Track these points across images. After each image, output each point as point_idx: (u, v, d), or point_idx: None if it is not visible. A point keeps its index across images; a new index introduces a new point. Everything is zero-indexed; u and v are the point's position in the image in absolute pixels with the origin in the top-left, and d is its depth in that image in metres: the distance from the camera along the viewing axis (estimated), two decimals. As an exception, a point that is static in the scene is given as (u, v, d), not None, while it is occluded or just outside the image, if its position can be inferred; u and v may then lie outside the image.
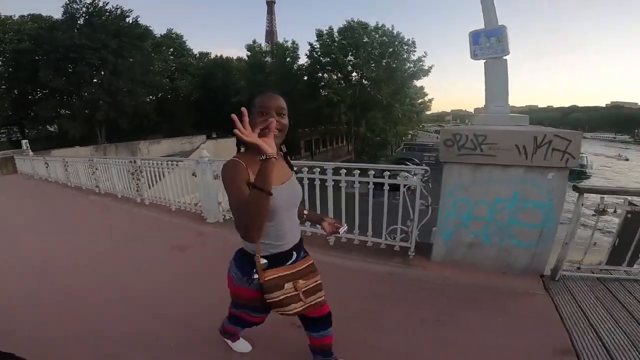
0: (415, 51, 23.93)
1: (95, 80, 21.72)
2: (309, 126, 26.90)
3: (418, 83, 32.47)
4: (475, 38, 2.65)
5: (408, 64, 23.38)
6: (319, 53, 23.57)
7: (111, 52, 20.77)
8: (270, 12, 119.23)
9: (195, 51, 36.45)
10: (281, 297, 1.20)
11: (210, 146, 18.14)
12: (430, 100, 58.50)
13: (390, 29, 24.14)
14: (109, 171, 6.30)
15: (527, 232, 2.41)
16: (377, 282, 2.58)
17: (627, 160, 51.99)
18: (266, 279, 1.17)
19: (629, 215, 2.28)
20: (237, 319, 1.51)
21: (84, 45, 19.56)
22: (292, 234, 1.27)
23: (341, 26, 23.80)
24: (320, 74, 21.91)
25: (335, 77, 21.53)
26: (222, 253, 1.58)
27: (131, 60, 22.11)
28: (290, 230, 1.26)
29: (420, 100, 39.31)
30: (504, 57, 2.56)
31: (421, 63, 23.80)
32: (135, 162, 5.64)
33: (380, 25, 24.16)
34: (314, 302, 1.30)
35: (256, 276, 1.18)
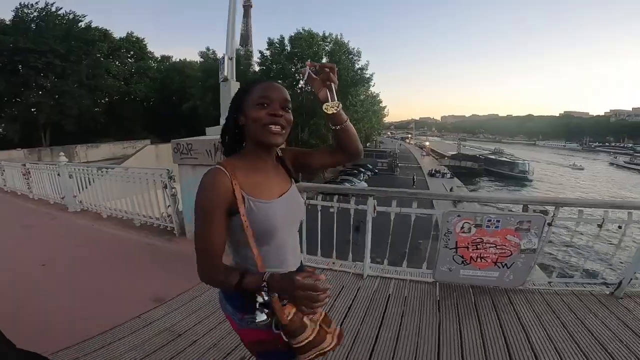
0: (359, 60, 25.60)
1: (42, 83, 21.71)
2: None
3: (375, 91, 34.44)
4: (221, 62, 3.64)
5: (352, 73, 24.83)
6: (269, 61, 24.69)
7: (58, 56, 20.93)
8: (247, 16, 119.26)
9: (158, 54, 36.75)
10: (313, 335, 0.93)
11: (152, 151, 18.54)
12: (384, 108, 61.30)
13: (339, 37, 25.76)
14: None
15: None
16: (148, 249, 3.56)
17: (582, 169, 54.85)
18: (289, 318, 0.86)
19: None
20: None
21: (29, 49, 19.64)
22: (294, 257, 1.04)
23: (292, 35, 25.13)
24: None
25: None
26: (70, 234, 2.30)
27: (80, 63, 22.29)
28: (292, 252, 1.03)
29: (376, 107, 41.28)
30: (230, 80, 3.58)
31: (364, 72, 25.47)
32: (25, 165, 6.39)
33: (328, 35, 25.67)
34: (337, 331, 1.03)
35: (262, 318, 0.84)
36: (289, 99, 0.92)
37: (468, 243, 2.13)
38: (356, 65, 25.59)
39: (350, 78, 24.55)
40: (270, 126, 0.87)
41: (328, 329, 0.98)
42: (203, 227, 0.86)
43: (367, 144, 74.29)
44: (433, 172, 40.30)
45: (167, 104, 31.53)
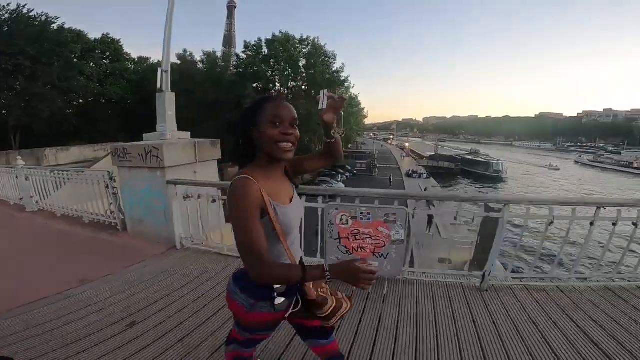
0: (335, 63, 26.16)
1: (12, 85, 21.22)
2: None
3: (354, 92, 35.11)
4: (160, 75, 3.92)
5: (327, 75, 25.32)
6: (244, 65, 24.86)
7: (28, 58, 20.52)
8: (230, 17, 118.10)
9: (135, 55, 36.27)
10: (333, 304, 1.15)
11: None
12: (363, 110, 62.20)
13: (317, 40, 26.25)
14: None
15: (157, 212, 3.58)
16: (89, 240, 3.82)
17: (557, 170, 56.34)
18: (316, 295, 1.14)
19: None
20: (246, 342, 1.34)
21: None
22: (299, 249, 1.24)
23: (269, 38, 25.43)
24: (245, 84, 23.13)
25: (256, 87, 22.81)
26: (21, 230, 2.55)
27: (51, 65, 21.91)
28: (298, 246, 1.23)
29: (354, 109, 41.94)
30: (165, 92, 3.89)
31: (339, 74, 26.04)
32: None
33: (305, 37, 26.11)
34: (343, 295, 1.26)
35: (280, 301, 1.07)
36: (297, 117, 1.03)
37: (348, 234, 2.50)
38: (332, 67, 26.11)
39: (325, 80, 25.03)
40: (282, 144, 0.99)
41: (338, 296, 1.19)
42: (247, 230, 0.94)
43: (349, 145, 75.47)
44: (410, 172, 41.27)
45: (144, 105, 31.11)
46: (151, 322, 2.16)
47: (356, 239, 2.50)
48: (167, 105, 3.87)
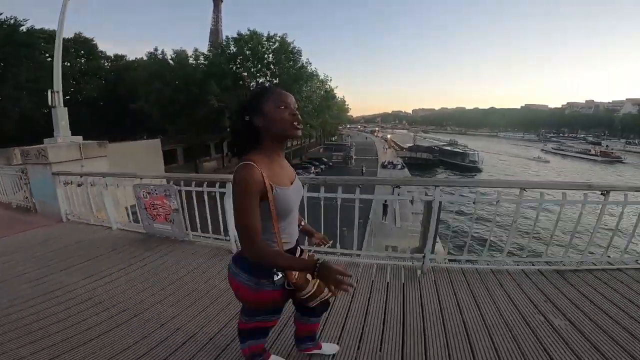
0: (300, 58, 27.41)
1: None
2: (211, 131, 29.34)
3: (332, 86, 36.43)
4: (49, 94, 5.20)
5: (293, 70, 26.51)
6: (209, 63, 26.07)
7: (2, 61, 21.34)
8: (217, 11, 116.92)
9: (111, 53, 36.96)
10: (314, 288, 1.24)
11: None
12: (344, 103, 63.20)
13: (285, 36, 27.36)
14: None
15: (50, 196, 4.81)
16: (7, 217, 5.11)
17: (547, 162, 56.25)
18: (296, 278, 1.20)
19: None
20: (255, 331, 1.42)
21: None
22: (296, 230, 1.33)
23: (234, 36, 26.52)
24: (211, 83, 24.19)
25: (219, 85, 23.79)
26: None
27: (19, 67, 22.70)
28: (295, 227, 1.33)
29: (329, 103, 43.00)
30: (58, 107, 5.15)
31: (305, 69, 27.28)
32: None
33: (273, 35, 27.20)
34: None
35: (278, 277, 1.18)
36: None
37: (149, 205, 3.85)
38: (297, 63, 27.28)
39: (291, 75, 26.22)
40: (295, 123, 1.13)
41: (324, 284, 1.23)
42: (245, 213, 1.05)
43: (333, 138, 76.86)
44: (386, 163, 42.48)
45: (118, 104, 31.97)
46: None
47: (154, 208, 3.84)
48: (60, 117, 5.17)
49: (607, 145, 69.72)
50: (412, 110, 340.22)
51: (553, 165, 54.47)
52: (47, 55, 28.18)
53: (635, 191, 2.77)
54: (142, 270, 3.05)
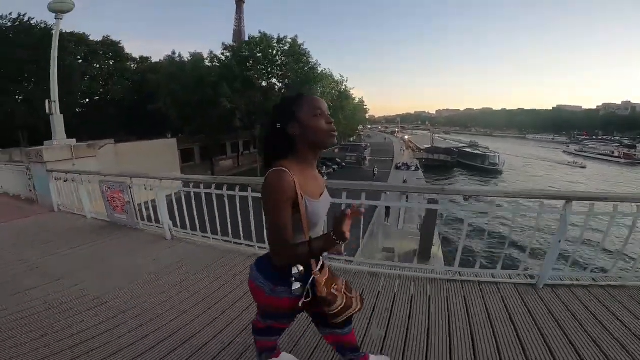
0: (309, 59, 28.16)
1: (16, 90, 24.15)
2: (225, 132, 30.70)
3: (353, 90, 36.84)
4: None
5: (302, 72, 27.28)
6: (219, 65, 27.39)
7: (30, 64, 23.37)
8: (239, 12, 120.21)
9: (139, 55, 39.45)
10: (343, 302, 1.22)
11: (111, 150, 20.39)
12: (362, 104, 62.98)
13: (295, 38, 28.24)
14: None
15: (47, 189, 5.78)
16: (16, 206, 6.11)
17: (583, 167, 51.73)
18: (326, 292, 1.18)
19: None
20: (267, 331, 1.43)
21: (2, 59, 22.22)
22: None
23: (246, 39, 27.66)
24: (223, 85, 25.33)
25: (231, 87, 24.88)
26: None
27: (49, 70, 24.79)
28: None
29: (343, 104, 43.41)
30: (55, 114, 6.08)
31: (314, 70, 28.00)
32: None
33: (283, 37, 28.13)
34: (358, 295, 1.34)
35: (296, 287, 1.16)
36: None
37: (110, 197, 4.65)
38: (307, 65, 28.04)
39: (301, 77, 27.01)
40: (330, 131, 1.13)
41: (351, 294, 1.28)
42: (278, 218, 1.05)
43: (352, 139, 77.04)
44: (400, 165, 42.11)
45: (143, 104, 33.98)
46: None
47: (114, 201, 4.64)
48: (57, 123, 6.12)
49: (621, 146, 67.53)
50: (436, 111, 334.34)
51: (584, 170, 51.65)
52: (78, 57, 30.59)
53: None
54: (89, 249, 3.85)
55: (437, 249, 14.12)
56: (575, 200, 2.48)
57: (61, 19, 6.05)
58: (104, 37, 34.44)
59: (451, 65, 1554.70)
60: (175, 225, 4.09)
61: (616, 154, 61.87)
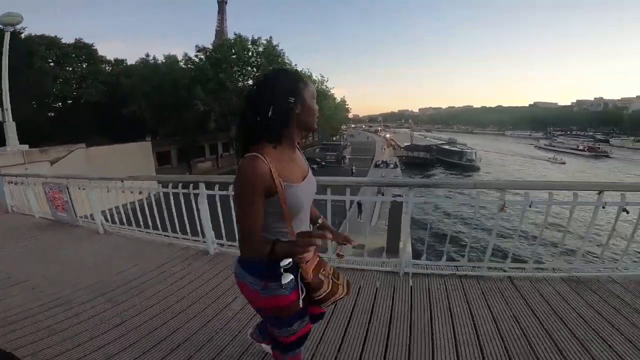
0: (283, 60, 28.61)
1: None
2: (201, 133, 30.84)
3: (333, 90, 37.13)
4: None
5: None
6: (192, 67, 27.56)
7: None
8: (222, 12, 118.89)
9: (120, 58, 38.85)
10: (329, 288, 1.20)
11: (82, 154, 20.14)
12: (341, 102, 63.54)
13: (270, 39, 28.63)
14: None
15: (2, 192, 6.25)
16: None
17: (563, 164, 52.11)
18: (312, 277, 1.15)
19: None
20: (295, 342, 1.26)
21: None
22: (307, 227, 1.27)
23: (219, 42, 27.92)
24: (195, 86, 25.46)
25: (204, 89, 25.10)
26: None
27: (21, 74, 24.38)
28: (307, 224, 1.26)
29: (321, 104, 44.04)
30: (7, 122, 6.44)
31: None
32: None
33: (257, 38, 28.49)
34: (345, 281, 1.32)
35: (287, 280, 1.08)
36: None
37: (52, 198, 5.07)
38: (280, 65, 28.41)
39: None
40: (317, 116, 1.14)
41: (338, 281, 1.26)
42: (247, 208, 1.02)
43: (334, 138, 77.74)
44: (379, 163, 42.98)
45: (118, 107, 33.65)
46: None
47: (56, 200, 5.06)
48: (9, 130, 6.47)
49: (594, 141, 73.38)
50: (419, 109, 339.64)
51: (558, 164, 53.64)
52: (50, 61, 30.15)
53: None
54: (34, 243, 4.31)
55: (405, 244, 14.89)
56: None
57: (10, 31, 6.39)
58: (76, 39, 33.94)
59: (433, 64, 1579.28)
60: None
61: (581, 147, 65.77)
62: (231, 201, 3.09)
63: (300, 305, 1.17)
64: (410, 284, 2.73)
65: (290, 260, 1.08)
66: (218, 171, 36.01)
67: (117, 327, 2.28)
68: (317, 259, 1.24)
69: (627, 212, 2.53)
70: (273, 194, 1.04)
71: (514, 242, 3.06)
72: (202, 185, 3.38)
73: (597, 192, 2.56)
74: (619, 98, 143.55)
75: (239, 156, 1.09)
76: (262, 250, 1.05)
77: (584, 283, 2.64)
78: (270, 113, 1.03)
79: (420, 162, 50.44)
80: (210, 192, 3.39)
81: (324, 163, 42.87)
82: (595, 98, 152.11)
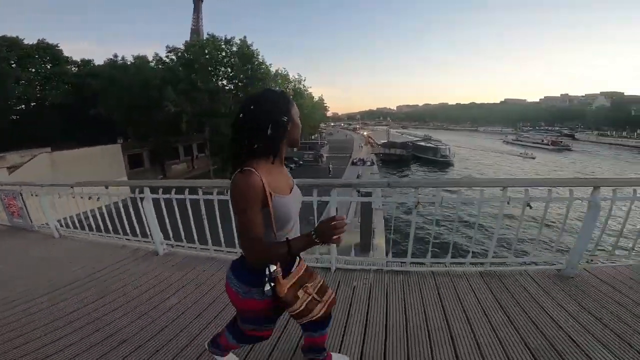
0: (257, 59, 28.46)
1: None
2: (171, 135, 30.33)
3: (311, 89, 37.06)
4: None
5: (249, 72, 27.62)
6: (163, 68, 27.22)
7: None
8: (197, 11, 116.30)
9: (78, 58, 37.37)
10: (302, 307, 1.24)
11: (46, 159, 19.04)
12: (318, 101, 63.88)
13: (244, 39, 28.32)
14: None
15: None
16: None
17: (533, 158, 54.03)
18: (286, 292, 1.20)
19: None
20: (243, 336, 1.44)
21: None
22: (298, 235, 1.29)
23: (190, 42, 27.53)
24: (165, 87, 25.02)
25: (175, 90, 24.68)
26: None
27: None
28: (297, 232, 1.31)
29: (299, 102, 44.10)
30: None
31: (261, 68, 28.48)
32: None
33: (230, 38, 28.16)
34: (330, 299, 1.37)
35: (268, 287, 1.17)
36: None
37: (7, 204, 5.11)
38: (258, 66, 28.42)
39: (248, 76, 27.44)
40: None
41: (321, 299, 1.31)
42: (248, 219, 1.09)
43: (313, 137, 77.85)
44: (356, 161, 43.37)
45: (86, 109, 32.48)
46: None
47: (11, 207, 5.12)
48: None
49: (561, 135, 79.23)
50: (397, 107, 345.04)
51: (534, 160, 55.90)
52: (11, 62, 28.85)
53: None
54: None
55: (378, 241, 14.70)
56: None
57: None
58: (39, 40, 32.59)
59: (409, 63, 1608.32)
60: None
61: (545, 141, 69.41)
62: (174, 203, 3.38)
63: (271, 313, 1.32)
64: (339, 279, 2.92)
65: (276, 267, 1.18)
66: (193, 172, 35.51)
67: (58, 324, 2.48)
68: (303, 273, 1.33)
69: (531, 207, 2.67)
70: (265, 205, 1.12)
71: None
72: (146, 190, 3.55)
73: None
74: (584, 95, 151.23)
75: (234, 170, 1.16)
76: (277, 252, 1.15)
77: (498, 277, 2.82)
78: (269, 131, 1.13)
79: (397, 159, 51.09)
80: (155, 195, 3.52)
81: (301, 162, 42.95)
82: (561, 94, 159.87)
